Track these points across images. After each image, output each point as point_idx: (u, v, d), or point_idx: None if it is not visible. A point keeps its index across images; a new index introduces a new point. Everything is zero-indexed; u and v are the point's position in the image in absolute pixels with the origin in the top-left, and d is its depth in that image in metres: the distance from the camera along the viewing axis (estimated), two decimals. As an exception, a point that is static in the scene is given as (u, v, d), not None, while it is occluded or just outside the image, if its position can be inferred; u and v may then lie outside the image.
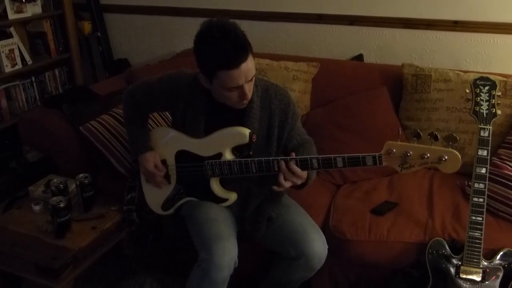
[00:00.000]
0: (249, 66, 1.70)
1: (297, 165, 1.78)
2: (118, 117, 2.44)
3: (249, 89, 1.76)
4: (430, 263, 1.90)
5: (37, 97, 3.46)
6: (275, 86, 1.95)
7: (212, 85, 1.78)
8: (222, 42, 1.65)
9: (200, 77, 1.81)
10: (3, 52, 3.13)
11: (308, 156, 1.78)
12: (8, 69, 3.18)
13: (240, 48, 1.67)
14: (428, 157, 1.65)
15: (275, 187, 1.81)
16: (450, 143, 1.64)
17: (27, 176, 2.97)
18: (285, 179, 1.79)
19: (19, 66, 3.25)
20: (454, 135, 1.65)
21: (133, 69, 3.28)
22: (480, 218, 1.81)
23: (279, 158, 1.81)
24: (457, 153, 1.64)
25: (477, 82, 1.91)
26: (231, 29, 1.67)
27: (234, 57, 1.66)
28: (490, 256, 1.87)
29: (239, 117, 1.87)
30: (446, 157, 1.64)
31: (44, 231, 2.04)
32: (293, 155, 1.79)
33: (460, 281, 1.84)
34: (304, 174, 1.81)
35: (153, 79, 2.00)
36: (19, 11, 3.22)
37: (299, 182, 1.81)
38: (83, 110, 2.47)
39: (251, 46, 1.72)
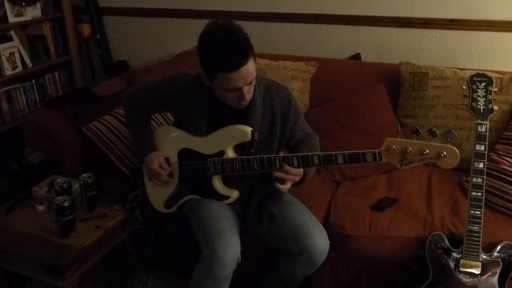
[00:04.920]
0: (249, 69, 1.72)
1: (298, 162, 1.82)
2: (120, 117, 2.46)
3: (248, 91, 1.79)
4: (430, 256, 1.93)
5: (38, 100, 3.48)
6: (276, 84, 1.98)
7: (212, 84, 1.81)
8: (224, 44, 1.67)
9: (201, 74, 1.84)
10: (3, 55, 3.15)
11: (310, 153, 1.81)
12: (8, 72, 3.20)
13: (240, 52, 1.69)
14: (427, 153, 1.68)
15: (278, 186, 1.85)
16: (449, 139, 1.68)
17: (28, 178, 2.99)
18: (284, 182, 1.84)
19: (19, 69, 3.27)
20: (453, 131, 1.68)
21: (133, 70, 3.30)
22: (479, 212, 1.85)
23: (281, 155, 1.84)
24: (455, 148, 1.67)
25: (474, 78, 1.94)
26: (234, 32, 1.69)
27: (234, 60, 1.68)
28: (489, 249, 1.90)
29: (241, 115, 1.89)
30: (444, 152, 1.67)
31: (48, 230, 2.06)
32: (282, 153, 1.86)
33: (459, 274, 1.87)
34: (299, 171, 1.86)
35: (155, 80, 2.02)
36: (19, 14, 3.25)
37: (297, 178, 1.87)
38: (85, 111, 2.49)
39: (253, 49, 1.74)
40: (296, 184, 1.91)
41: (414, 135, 1.69)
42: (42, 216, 2.15)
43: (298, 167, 1.83)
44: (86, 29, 3.61)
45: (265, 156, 1.85)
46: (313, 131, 2.10)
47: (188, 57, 2.99)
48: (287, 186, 1.86)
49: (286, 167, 1.82)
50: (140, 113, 2.08)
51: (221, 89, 1.79)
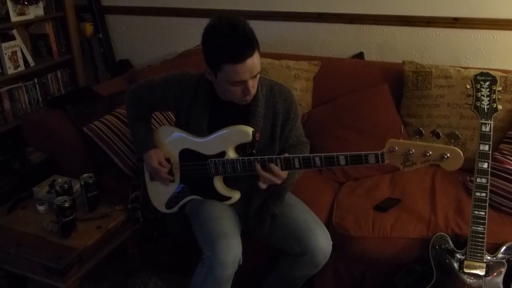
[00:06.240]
0: (255, 62, 1.72)
1: (299, 164, 1.80)
2: (122, 117, 2.45)
3: (252, 85, 1.78)
4: (434, 258, 1.91)
5: (40, 99, 3.47)
6: (279, 85, 1.97)
7: (216, 78, 1.79)
8: (230, 36, 1.67)
9: (205, 69, 1.82)
10: (6, 54, 3.14)
11: (311, 155, 1.80)
12: (11, 71, 3.20)
13: (247, 43, 1.69)
14: (430, 154, 1.66)
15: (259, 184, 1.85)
16: (452, 140, 1.65)
17: (30, 177, 2.98)
18: (263, 181, 1.83)
19: (21, 68, 3.27)
20: (456, 132, 1.66)
21: (135, 70, 3.29)
22: (483, 213, 1.82)
23: (282, 156, 1.82)
24: (459, 150, 1.65)
25: (478, 77, 1.92)
26: (240, 25, 1.69)
27: (241, 51, 1.68)
28: (493, 250, 1.88)
29: (243, 116, 1.88)
30: (448, 154, 1.65)
31: (49, 231, 2.05)
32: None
33: (464, 276, 1.85)
34: (283, 174, 1.84)
35: (157, 78, 2.01)
36: (21, 13, 3.24)
37: (278, 182, 1.85)
38: (86, 111, 2.48)
39: (258, 43, 1.74)
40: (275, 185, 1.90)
41: (417, 136, 1.67)
42: (42, 217, 2.14)
43: (299, 168, 1.82)
44: (88, 28, 3.60)
45: (266, 157, 1.83)
46: (306, 139, 2.09)
47: (190, 56, 2.98)
48: (264, 185, 1.86)
49: (275, 168, 1.81)
50: (141, 110, 2.07)
51: (226, 83, 1.77)
